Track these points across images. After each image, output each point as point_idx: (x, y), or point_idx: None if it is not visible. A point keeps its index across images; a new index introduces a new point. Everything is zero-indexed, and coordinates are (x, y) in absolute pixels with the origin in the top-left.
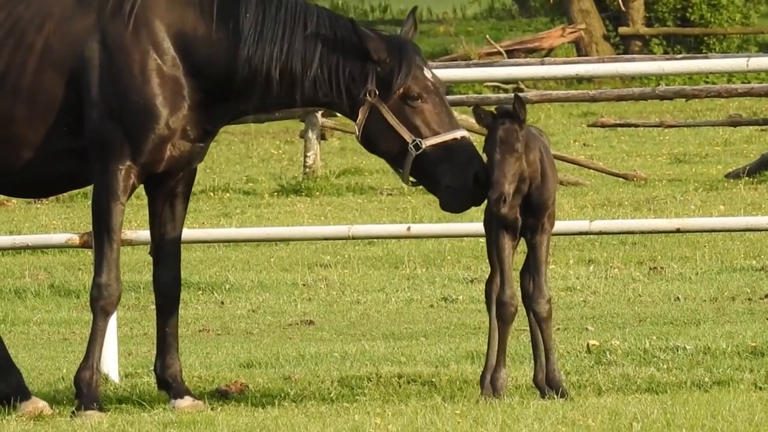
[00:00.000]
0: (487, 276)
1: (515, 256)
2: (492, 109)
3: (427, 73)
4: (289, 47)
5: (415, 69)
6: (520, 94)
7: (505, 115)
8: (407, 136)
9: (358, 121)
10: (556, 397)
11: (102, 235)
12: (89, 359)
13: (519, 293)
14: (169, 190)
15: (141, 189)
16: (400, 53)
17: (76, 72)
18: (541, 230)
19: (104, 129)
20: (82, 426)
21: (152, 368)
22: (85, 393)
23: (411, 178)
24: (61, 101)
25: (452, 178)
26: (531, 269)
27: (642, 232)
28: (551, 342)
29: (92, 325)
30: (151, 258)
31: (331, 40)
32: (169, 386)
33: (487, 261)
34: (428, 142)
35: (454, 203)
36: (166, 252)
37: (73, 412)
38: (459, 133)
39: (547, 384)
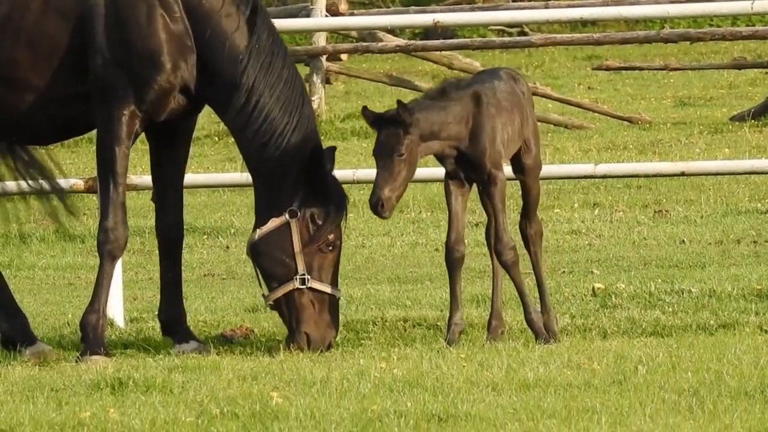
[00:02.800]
0: None
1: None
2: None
3: (344, 225)
4: (276, 104)
5: (341, 217)
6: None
7: (387, 121)
8: (301, 267)
9: (264, 228)
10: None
11: (107, 179)
12: (95, 303)
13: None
14: (170, 134)
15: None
16: (339, 201)
17: (81, 18)
18: (490, 182)
19: (109, 75)
20: (87, 371)
21: (156, 313)
22: (90, 337)
23: (272, 302)
24: (65, 46)
25: (314, 330)
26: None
27: (647, 176)
28: (523, 287)
29: (99, 268)
30: (152, 204)
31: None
32: (173, 332)
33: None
34: (315, 284)
35: (297, 347)
36: (168, 196)
37: (78, 357)
38: (339, 294)
39: (527, 325)
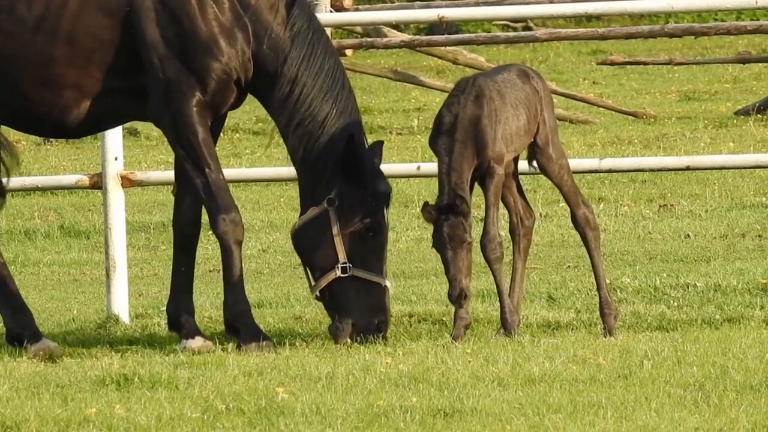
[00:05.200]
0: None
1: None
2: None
3: (386, 214)
4: (317, 95)
5: (382, 205)
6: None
7: (446, 211)
8: (341, 256)
9: (303, 218)
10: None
11: (203, 170)
12: (237, 292)
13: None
14: None
15: (150, 130)
16: (376, 189)
17: (123, 14)
18: (487, 175)
19: (169, 70)
20: (92, 367)
21: (164, 307)
22: (248, 327)
23: (317, 293)
24: (107, 42)
25: (359, 319)
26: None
27: (652, 170)
28: (502, 285)
29: (227, 258)
30: (157, 200)
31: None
32: (181, 326)
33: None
34: (357, 272)
35: (342, 336)
36: (189, 191)
37: (239, 346)
38: (386, 282)
39: (501, 323)
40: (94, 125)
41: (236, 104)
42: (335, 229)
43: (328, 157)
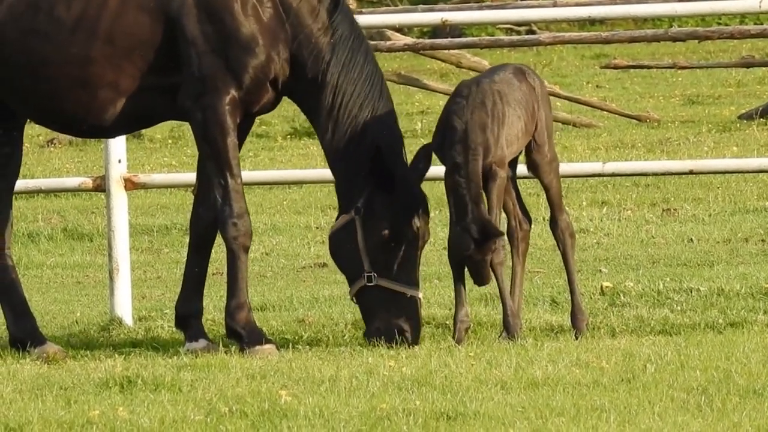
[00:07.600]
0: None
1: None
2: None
3: (417, 222)
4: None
5: (410, 215)
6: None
7: (483, 243)
8: (366, 265)
9: (335, 225)
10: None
11: (223, 172)
12: (240, 297)
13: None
14: None
15: (154, 133)
16: (406, 198)
17: (163, 11)
18: (489, 178)
19: (205, 65)
20: (96, 369)
21: (168, 310)
22: (246, 332)
23: (353, 297)
24: (146, 41)
25: (385, 325)
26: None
27: (655, 174)
28: (504, 287)
29: (232, 262)
30: (160, 203)
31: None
32: (187, 326)
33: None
34: (381, 282)
35: (374, 336)
36: (209, 193)
37: (243, 349)
38: (412, 292)
39: (504, 326)
40: (129, 125)
41: (268, 107)
42: (360, 238)
43: (361, 164)
